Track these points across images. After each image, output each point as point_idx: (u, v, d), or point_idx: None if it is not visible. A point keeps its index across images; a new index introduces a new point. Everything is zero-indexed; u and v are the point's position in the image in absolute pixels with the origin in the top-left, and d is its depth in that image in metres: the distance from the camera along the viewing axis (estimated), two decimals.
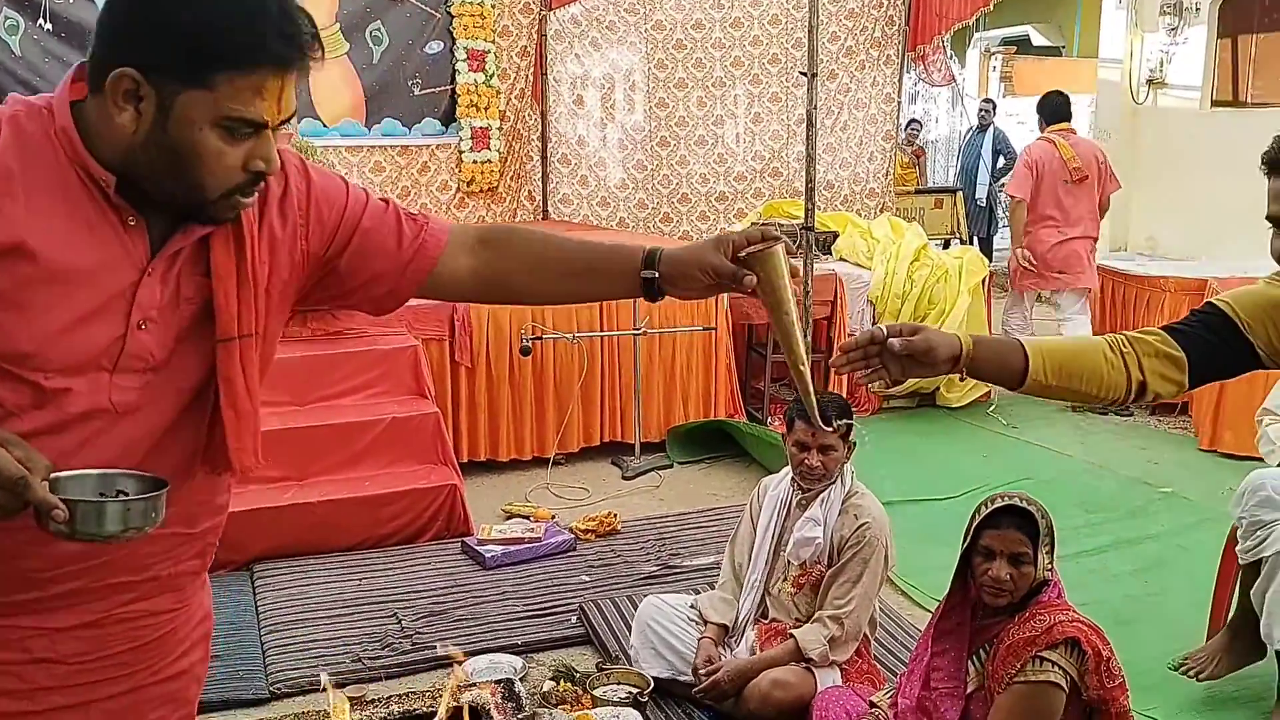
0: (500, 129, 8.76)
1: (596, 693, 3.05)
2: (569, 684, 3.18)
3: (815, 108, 5.07)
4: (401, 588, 3.98)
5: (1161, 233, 8.53)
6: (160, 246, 1.30)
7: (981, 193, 11.26)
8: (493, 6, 8.56)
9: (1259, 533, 3.08)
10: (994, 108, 12.13)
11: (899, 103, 9.75)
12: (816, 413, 1.60)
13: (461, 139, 8.62)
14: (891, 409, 6.46)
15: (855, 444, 3.12)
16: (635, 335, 5.39)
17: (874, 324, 6.27)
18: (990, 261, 6.88)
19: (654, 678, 3.11)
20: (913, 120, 12.55)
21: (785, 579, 3.10)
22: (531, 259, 1.57)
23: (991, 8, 8.56)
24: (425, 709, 2.67)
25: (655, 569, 4.15)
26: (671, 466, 5.48)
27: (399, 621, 3.70)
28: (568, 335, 5.33)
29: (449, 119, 8.66)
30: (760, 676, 2.93)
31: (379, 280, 1.50)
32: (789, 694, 2.89)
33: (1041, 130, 6.85)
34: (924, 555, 4.16)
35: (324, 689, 2.33)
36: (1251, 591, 3.12)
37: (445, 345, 5.22)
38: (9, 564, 1.30)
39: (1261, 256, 1.90)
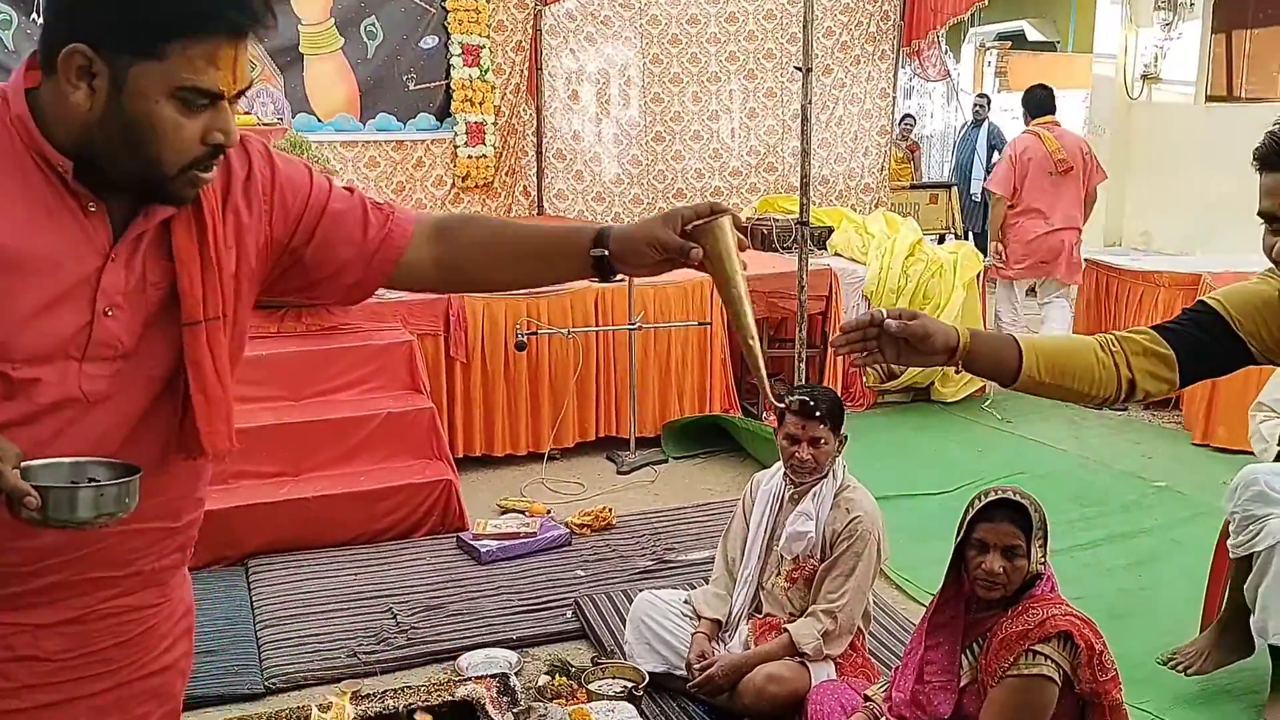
0: (495, 124, 8.75)
1: (592, 687, 3.06)
2: (564, 678, 3.18)
3: (810, 103, 5.07)
4: (397, 583, 3.98)
5: (1156, 227, 8.54)
6: (122, 231, 1.29)
7: (976, 188, 11.26)
8: (487, 1, 8.55)
9: (1251, 527, 3.10)
10: (988, 103, 12.14)
11: (894, 98, 9.75)
12: (767, 387, 1.57)
13: (456, 134, 8.61)
14: (886, 403, 6.47)
15: (846, 437, 3.13)
16: (630, 330, 5.39)
17: None
18: (985, 256, 6.91)
19: (649, 672, 3.11)
20: (906, 115, 12.55)
21: (778, 573, 3.10)
22: (487, 246, 1.57)
23: (987, 3, 8.56)
24: (420, 704, 2.67)
25: (650, 564, 4.16)
26: (666, 461, 5.49)
27: (394, 616, 3.71)
28: (563, 330, 5.33)
29: (444, 114, 8.65)
30: (755, 671, 2.93)
31: (346, 270, 1.50)
32: (784, 688, 2.89)
33: (1027, 123, 6.93)
34: (918, 549, 4.17)
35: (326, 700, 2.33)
36: (1245, 586, 3.13)
37: (440, 340, 5.22)
38: None
39: (1256, 251, 1.90)
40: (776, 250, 6.65)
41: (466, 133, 8.64)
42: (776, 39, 9.23)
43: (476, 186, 8.81)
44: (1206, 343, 1.84)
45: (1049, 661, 2.25)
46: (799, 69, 5.09)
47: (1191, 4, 8.35)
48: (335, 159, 7.48)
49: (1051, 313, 6.87)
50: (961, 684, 2.41)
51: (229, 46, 1.24)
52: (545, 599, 3.86)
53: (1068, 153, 6.63)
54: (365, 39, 8.37)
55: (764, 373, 1.56)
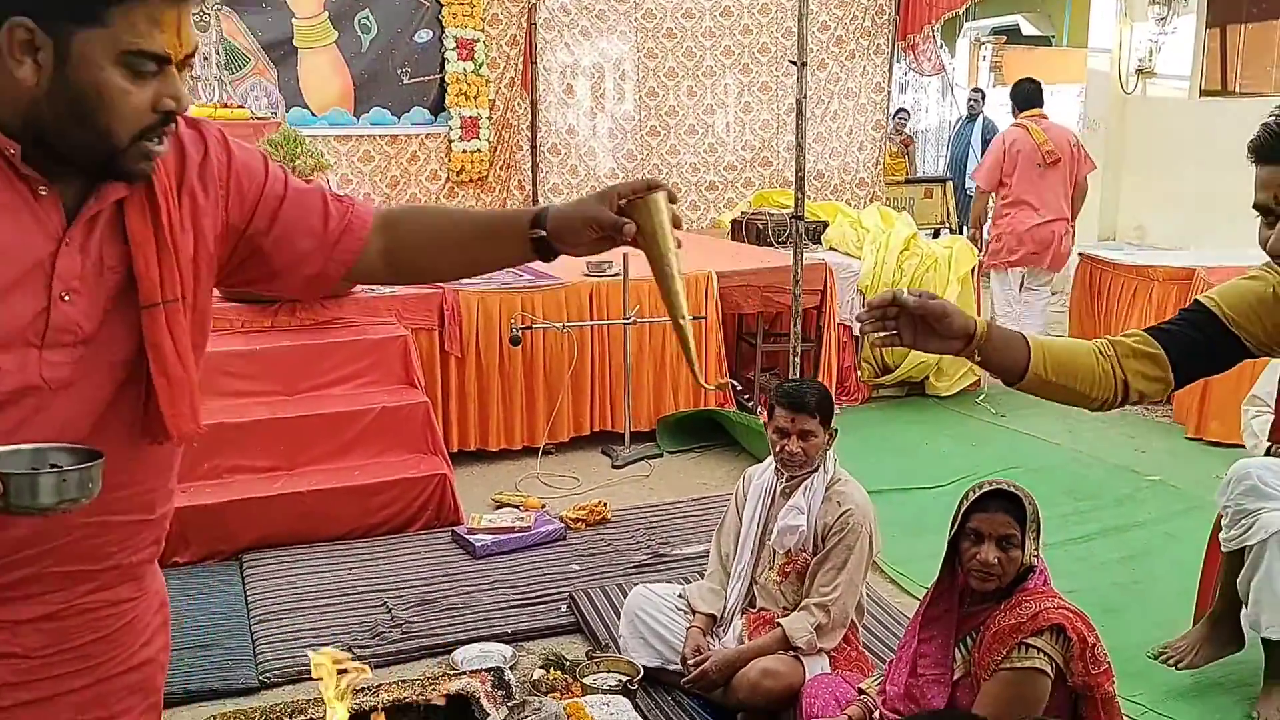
0: (490, 118, 8.73)
1: (586, 681, 3.06)
2: (559, 672, 3.18)
3: (805, 97, 5.07)
4: (391, 577, 3.98)
5: (1150, 222, 8.56)
6: (75, 215, 1.28)
7: (971, 183, 11.27)
8: None
9: (1243, 521, 3.10)
10: (983, 97, 12.14)
11: (889, 92, 9.75)
12: (698, 367, 1.57)
13: (451, 128, 8.60)
14: (881, 397, 6.48)
15: (836, 431, 3.13)
16: (625, 324, 5.39)
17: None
18: (979, 251, 6.94)
19: (644, 667, 3.12)
20: (900, 109, 12.56)
21: (771, 568, 3.11)
22: (431, 234, 1.57)
23: None
24: (415, 697, 2.68)
25: (645, 558, 4.16)
26: (661, 456, 5.49)
27: (389, 611, 3.71)
28: (557, 325, 5.33)
29: (438, 108, 8.64)
30: (749, 666, 2.93)
31: (306, 261, 1.49)
32: (778, 683, 2.90)
33: (1015, 117, 7.07)
34: (912, 543, 4.18)
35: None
36: (1238, 580, 3.14)
37: (435, 335, 5.21)
38: None
39: (1250, 245, 1.91)
40: (771, 245, 6.65)
41: (461, 127, 8.63)
42: (771, 33, 9.22)
43: (471, 181, 8.80)
44: (1200, 341, 1.85)
45: (1041, 654, 2.26)
46: (794, 63, 5.09)
47: None
48: (329, 153, 7.46)
49: (1034, 304, 7.03)
50: (955, 677, 2.42)
51: (171, 8, 1.23)
52: (540, 593, 3.86)
53: (1055, 145, 6.76)
54: (359, 33, 8.35)
55: (694, 354, 1.55)
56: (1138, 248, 7.77)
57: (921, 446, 5.66)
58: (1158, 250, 7.52)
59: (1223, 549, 3.23)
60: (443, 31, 8.52)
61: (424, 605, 3.75)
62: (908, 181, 10.96)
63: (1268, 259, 1.85)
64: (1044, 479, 4.92)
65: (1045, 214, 6.79)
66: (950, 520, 2.45)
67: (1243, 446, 3.97)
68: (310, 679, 3.23)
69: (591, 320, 5.48)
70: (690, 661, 3.04)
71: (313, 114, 8.23)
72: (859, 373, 6.39)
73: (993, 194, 7.16)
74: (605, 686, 3.02)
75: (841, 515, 2.99)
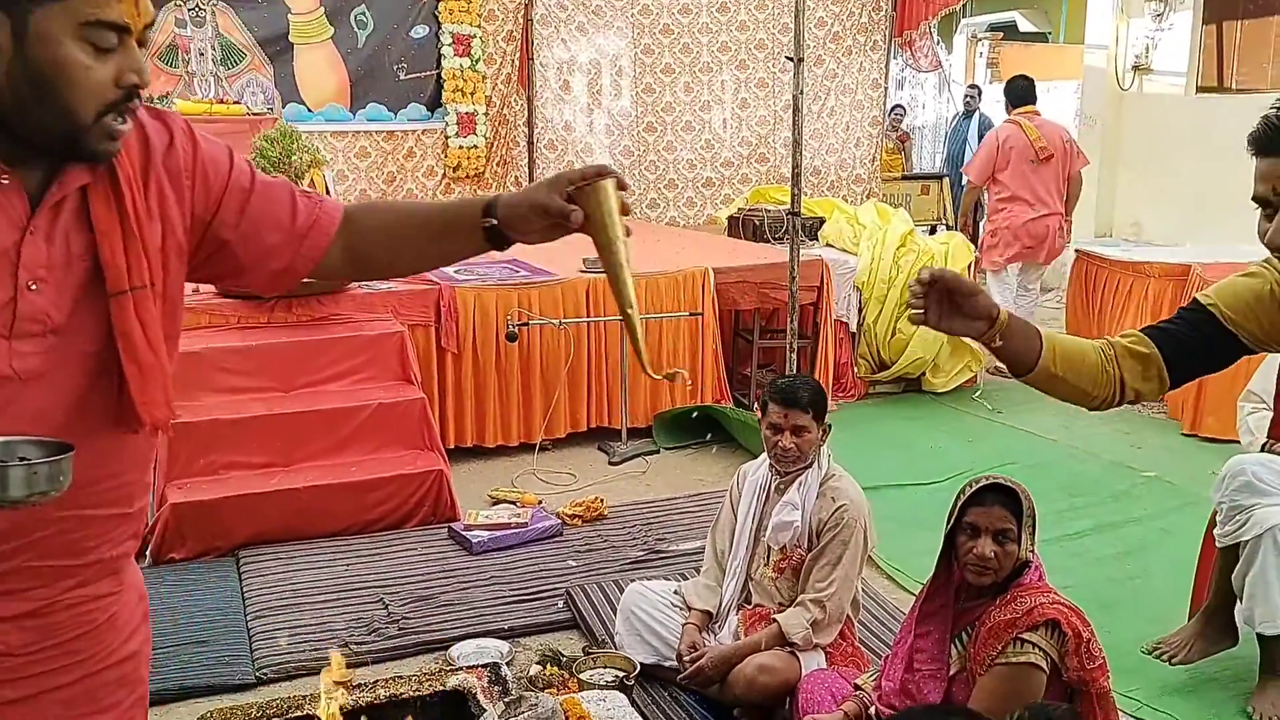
0: (486, 114, 8.73)
1: (583, 676, 3.07)
2: (555, 668, 3.19)
3: (802, 93, 5.07)
4: (388, 573, 3.98)
5: (1146, 218, 8.56)
6: (39, 202, 1.27)
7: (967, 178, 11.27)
8: None
9: (1238, 517, 3.11)
10: (979, 94, 12.14)
11: (885, 88, 9.75)
12: (645, 356, 1.55)
13: (447, 124, 8.59)
14: (877, 394, 6.49)
15: (830, 426, 3.13)
16: (622, 321, 5.38)
17: (860, 311, 6.31)
18: (976, 247, 6.97)
19: (640, 663, 3.12)
20: (896, 105, 12.56)
21: (766, 564, 3.11)
22: (388, 229, 1.56)
23: None
24: (412, 693, 2.68)
25: (642, 554, 4.16)
26: (658, 452, 5.49)
27: (385, 607, 3.71)
28: (554, 321, 5.32)
29: (434, 104, 8.63)
30: (745, 662, 2.94)
31: (273, 255, 1.48)
32: (774, 678, 2.90)
33: (1008, 113, 7.21)
34: (908, 539, 4.19)
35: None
36: (1232, 575, 3.15)
37: (431, 331, 5.21)
38: None
39: (1246, 241, 1.91)
40: (768, 241, 6.66)
41: (458, 123, 8.62)
42: (768, 29, 9.22)
43: (467, 177, 8.80)
44: (1197, 340, 1.85)
45: (1037, 649, 2.26)
46: (790, 59, 5.08)
47: None
48: (325, 149, 7.46)
49: (1023, 304, 7.16)
50: (951, 672, 2.42)
51: None
52: (536, 589, 3.86)
53: (1048, 141, 6.92)
54: (355, 28, 8.34)
55: (642, 344, 1.54)
56: (1134, 244, 7.78)
57: (918, 442, 5.66)
58: (1154, 246, 7.53)
59: (1217, 544, 3.24)
60: (439, 27, 8.50)
61: (421, 601, 3.75)
62: (904, 178, 10.97)
63: (1266, 255, 1.85)
64: (1040, 475, 4.93)
65: (1040, 209, 6.94)
66: (946, 516, 2.45)
67: (1238, 442, 3.98)
68: (306, 675, 3.25)
69: (588, 316, 5.48)
70: (686, 658, 3.05)
71: (309, 110, 8.21)
72: (856, 369, 6.40)
73: (984, 189, 7.31)
74: (602, 682, 3.02)
75: (836, 511, 2.99)
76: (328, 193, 6.44)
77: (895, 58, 9.95)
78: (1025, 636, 2.27)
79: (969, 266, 6.49)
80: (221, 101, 7.01)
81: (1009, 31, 17.00)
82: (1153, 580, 4.00)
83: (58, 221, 1.28)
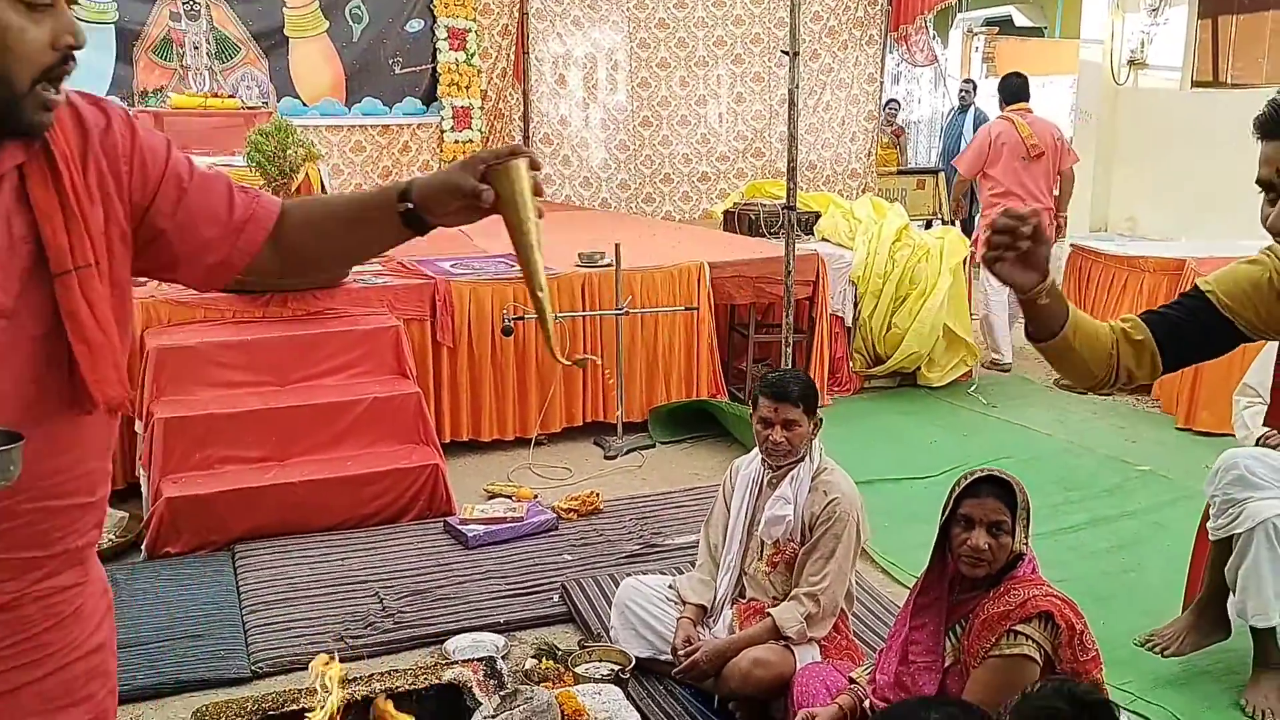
0: (482, 108, 8.73)
1: (578, 670, 3.07)
2: (551, 662, 3.19)
3: (798, 87, 5.07)
4: (384, 567, 3.98)
5: (1141, 213, 8.57)
6: None
7: None
8: None
9: (1231, 510, 3.12)
10: (974, 88, 12.14)
11: (881, 83, 9.76)
12: (555, 341, 1.54)
13: (443, 118, 8.59)
14: (872, 388, 6.49)
15: (821, 420, 3.13)
16: (617, 315, 5.39)
17: (855, 305, 6.32)
18: (971, 242, 6.99)
19: (635, 657, 3.13)
20: (891, 100, 12.57)
21: (760, 558, 3.11)
22: (312, 223, 1.55)
23: None
24: (408, 687, 2.68)
25: (637, 548, 4.17)
26: (654, 446, 5.50)
27: (381, 601, 3.71)
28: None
29: (430, 98, 8.63)
30: (740, 656, 2.94)
31: (210, 248, 1.47)
32: (769, 672, 2.91)
33: (1002, 109, 7.31)
34: (903, 533, 4.20)
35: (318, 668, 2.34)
36: (1225, 568, 3.16)
37: (426, 325, 5.20)
38: None
39: (1242, 236, 1.91)
40: (764, 235, 6.66)
41: (453, 117, 8.62)
42: (764, 23, 9.22)
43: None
44: (1193, 327, 1.86)
45: (1030, 641, 2.27)
46: (786, 53, 5.08)
47: None
48: (321, 143, 7.45)
49: (1013, 297, 7.10)
50: (945, 665, 2.43)
51: None
52: (532, 583, 3.86)
53: (1039, 138, 6.99)
54: (350, 22, 8.33)
55: (552, 328, 1.53)
56: (1129, 239, 7.79)
57: (913, 437, 5.67)
58: (1149, 241, 7.55)
59: (1210, 538, 3.25)
60: (434, 21, 8.50)
61: (416, 595, 3.76)
62: (900, 172, 10.98)
63: (1269, 243, 1.85)
64: (1035, 469, 4.94)
65: (1031, 204, 6.99)
66: (941, 508, 2.46)
67: (1232, 436, 3.98)
68: (302, 669, 3.25)
69: (584, 311, 5.47)
70: (681, 652, 3.05)
71: (304, 104, 8.21)
72: (851, 363, 6.41)
73: (973, 181, 7.43)
74: (597, 676, 3.03)
75: (828, 504, 3.00)
76: (323, 188, 6.43)
77: (891, 52, 9.96)
78: (1018, 628, 2.28)
79: (964, 262, 6.50)
80: (216, 95, 7.00)
81: (1004, 26, 17.02)
82: (1147, 574, 4.01)
83: None
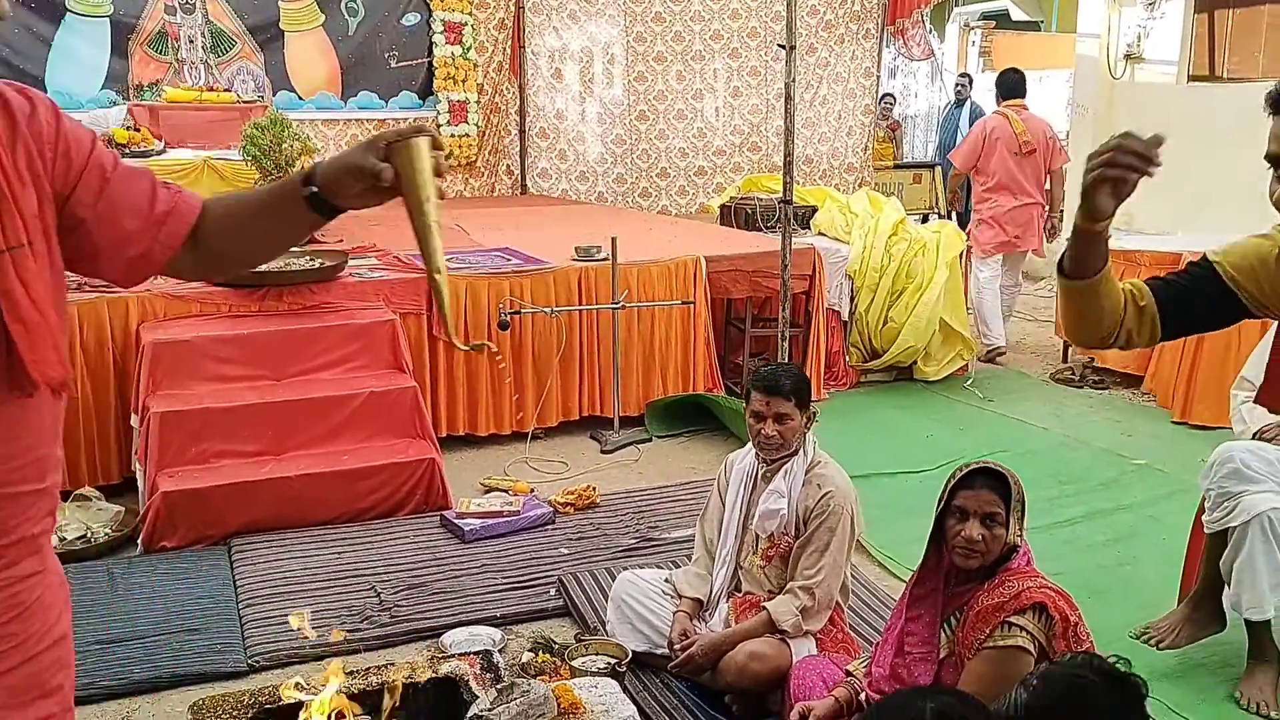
0: (478, 102, 8.71)
1: (575, 663, 3.07)
2: (548, 655, 3.19)
3: (794, 81, 5.07)
4: (380, 561, 3.98)
5: (1137, 207, 8.56)
6: None
7: None
8: None
9: (1226, 504, 3.13)
10: (970, 82, 12.14)
11: (878, 77, 9.75)
12: (451, 324, 1.53)
13: (439, 112, 8.57)
14: (869, 382, 6.50)
15: (815, 414, 3.14)
16: (614, 309, 5.39)
17: (852, 299, 6.32)
18: (965, 235, 7.01)
19: (632, 650, 3.13)
20: (886, 94, 12.56)
21: (755, 552, 3.12)
22: (231, 216, 1.55)
23: None
24: (404, 680, 2.69)
25: (634, 541, 4.17)
26: (650, 440, 5.50)
27: (378, 595, 3.71)
28: (546, 309, 5.32)
29: (426, 92, 8.61)
30: (737, 649, 2.95)
31: (131, 241, 1.47)
32: (765, 665, 2.91)
33: (998, 104, 7.45)
34: (900, 527, 4.20)
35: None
36: (1220, 561, 3.17)
37: (423, 319, 5.20)
38: None
39: (1238, 230, 1.92)
40: (760, 229, 6.66)
41: (449, 111, 8.60)
42: (760, 17, 9.20)
43: (459, 166, 8.78)
44: (1197, 296, 1.86)
45: (1024, 633, 2.27)
46: (783, 47, 5.08)
47: None
48: (316, 137, 7.43)
49: (1005, 293, 7.42)
50: (940, 656, 2.43)
51: None
52: (528, 577, 3.87)
53: (1032, 135, 7.13)
54: (346, 16, 8.31)
55: (448, 311, 1.51)
56: (1125, 232, 7.79)
57: (909, 431, 5.68)
58: (1145, 235, 7.55)
59: (1206, 531, 3.25)
60: (430, 15, 8.48)
61: (413, 589, 3.76)
62: (896, 167, 10.98)
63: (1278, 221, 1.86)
64: (1031, 463, 4.95)
65: (1023, 198, 7.16)
66: (936, 501, 2.46)
67: (1228, 429, 3.99)
68: (298, 663, 3.25)
69: (580, 305, 5.47)
70: (677, 646, 3.06)
71: (300, 97, 8.19)
72: (847, 357, 6.41)
73: (968, 175, 7.53)
74: (594, 669, 3.03)
75: (822, 498, 3.00)
76: None
77: (888, 46, 9.95)
78: (1012, 620, 2.28)
79: (960, 256, 6.50)
80: (212, 89, 6.98)
81: (1001, 20, 17.00)
82: (1142, 567, 4.02)
83: None
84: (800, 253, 5.84)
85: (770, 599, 3.01)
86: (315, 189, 1.45)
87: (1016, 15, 17.13)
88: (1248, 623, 3.16)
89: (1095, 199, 1.68)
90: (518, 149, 9.03)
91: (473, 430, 5.35)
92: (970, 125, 11.36)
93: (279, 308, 4.88)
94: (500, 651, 3.17)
